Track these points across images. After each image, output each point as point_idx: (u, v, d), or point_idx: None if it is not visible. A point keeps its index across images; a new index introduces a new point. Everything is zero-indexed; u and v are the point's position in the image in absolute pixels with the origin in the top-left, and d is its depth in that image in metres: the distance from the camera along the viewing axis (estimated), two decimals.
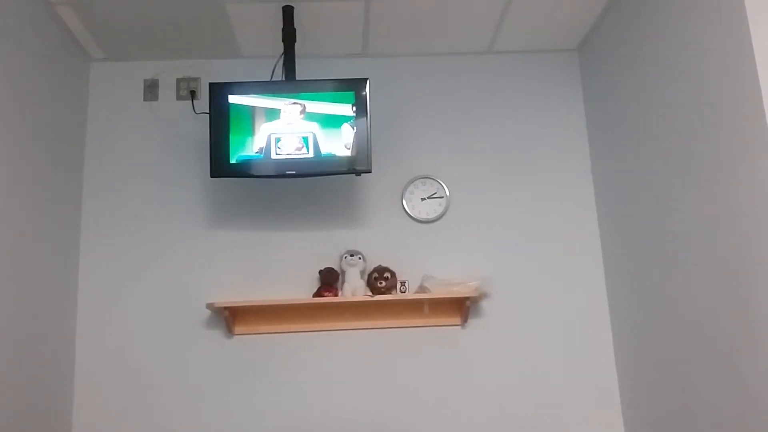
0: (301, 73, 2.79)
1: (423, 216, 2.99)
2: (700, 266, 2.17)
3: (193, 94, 3.04)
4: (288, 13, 2.75)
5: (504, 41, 3.05)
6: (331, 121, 2.67)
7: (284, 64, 2.78)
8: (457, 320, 2.89)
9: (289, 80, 2.76)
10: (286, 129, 2.66)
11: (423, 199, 3.00)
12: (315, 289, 2.84)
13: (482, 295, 2.85)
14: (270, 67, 2.83)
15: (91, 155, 3.00)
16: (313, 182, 2.96)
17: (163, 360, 2.83)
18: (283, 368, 2.84)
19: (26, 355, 2.44)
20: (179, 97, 3.06)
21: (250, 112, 2.67)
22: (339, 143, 2.66)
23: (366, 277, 2.84)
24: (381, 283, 2.80)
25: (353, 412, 2.81)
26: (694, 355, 2.23)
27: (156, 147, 3.02)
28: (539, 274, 2.95)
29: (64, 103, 2.83)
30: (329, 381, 2.84)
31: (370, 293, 2.82)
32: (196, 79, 3.06)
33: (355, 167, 2.67)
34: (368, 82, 2.69)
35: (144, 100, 3.06)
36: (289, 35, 2.78)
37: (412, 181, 3.01)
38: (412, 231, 2.98)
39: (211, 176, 2.67)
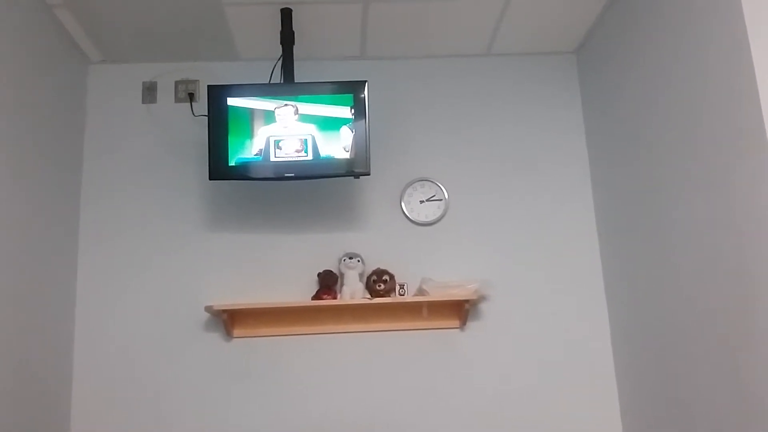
0: (299, 76, 2.79)
1: (422, 219, 2.99)
2: (698, 267, 2.17)
3: (191, 97, 3.03)
4: (286, 15, 2.75)
5: (502, 44, 3.05)
6: (329, 124, 2.66)
7: (283, 66, 2.78)
8: (456, 323, 2.89)
9: (287, 83, 2.76)
10: (284, 132, 2.66)
11: (422, 202, 3.00)
12: (314, 292, 2.84)
13: (481, 298, 2.84)
14: (268, 69, 2.83)
15: (89, 158, 3.00)
16: (311, 185, 2.96)
17: (162, 363, 2.83)
18: (281, 371, 2.84)
19: (24, 357, 2.43)
20: (178, 100, 3.06)
21: (248, 115, 2.67)
22: (338, 146, 2.66)
23: (365, 279, 2.84)
24: (380, 285, 2.80)
25: (352, 415, 2.80)
26: (692, 356, 2.23)
27: (154, 149, 3.02)
28: (538, 276, 2.95)
29: (63, 106, 2.83)
30: (328, 384, 2.83)
31: (369, 296, 2.81)
32: (194, 82, 3.06)
33: (353, 170, 2.67)
34: (367, 84, 2.69)
35: (142, 102, 3.06)
36: (287, 38, 2.78)
37: (410, 184, 3.01)
38: (410, 234, 2.98)
39: (210, 179, 2.66)
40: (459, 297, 2.76)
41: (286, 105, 2.66)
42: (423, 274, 2.86)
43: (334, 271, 2.86)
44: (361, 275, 2.84)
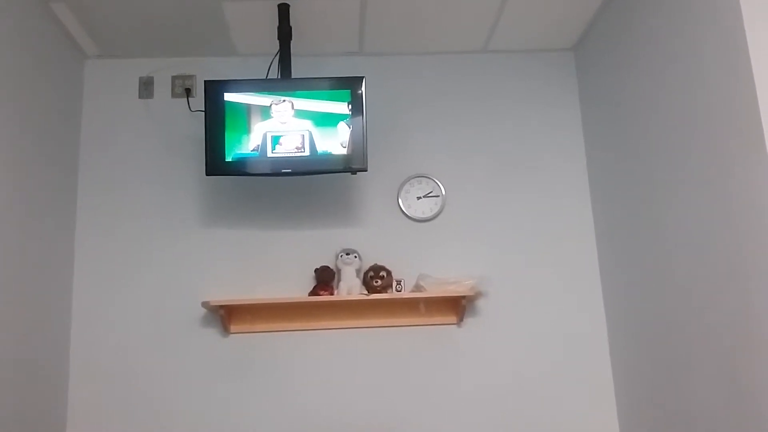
0: (296, 72, 2.79)
1: (419, 215, 2.99)
2: (695, 264, 2.18)
3: (188, 92, 3.03)
4: (284, 11, 2.74)
5: (500, 40, 3.05)
6: (326, 120, 2.66)
7: (280, 62, 2.77)
8: (453, 319, 2.89)
9: (284, 78, 2.75)
10: (281, 127, 2.65)
11: (419, 198, 3.00)
12: (311, 288, 2.84)
13: (478, 294, 2.85)
14: (266, 65, 2.83)
15: (85, 153, 2.99)
16: (308, 181, 2.95)
17: (158, 359, 2.82)
18: (278, 367, 2.84)
19: (21, 353, 2.42)
20: (174, 95, 3.05)
21: (245, 110, 2.66)
22: (335, 141, 2.66)
23: (362, 275, 2.84)
24: (377, 281, 2.80)
25: (349, 411, 2.81)
26: (689, 353, 2.24)
27: (151, 145, 3.01)
28: (535, 272, 2.96)
29: (59, 101, 2.82)
30: (325, 380, 2.83)
31: (366, 292, 2.81)
32: (191, 77, 3.05)
33: (351, 166, 2.67)
34: (364, 80, 2.69)
35: (139, 97, 3.05)
36: (284, 33, 2.77)
37: (407, 180, 3.01)
38: (407, 230, 2.98)
39: (207, 174, 2.66)
40: (456, 293, 2.77)
41: (283, 101, 2.66)
42: (420, 270, 2.86)
43: (331, 267, 2.86)
44: (358, 271, 2.84)
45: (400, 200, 3.00)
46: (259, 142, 2.64)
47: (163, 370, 2.82)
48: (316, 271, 2.85)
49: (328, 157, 2.66)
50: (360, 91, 2.68)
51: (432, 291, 2.77)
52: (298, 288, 2.86)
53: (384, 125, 3.03)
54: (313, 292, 2.81)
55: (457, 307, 2.85)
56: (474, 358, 2.87)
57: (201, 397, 2.80)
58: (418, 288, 2.81)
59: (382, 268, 2.83)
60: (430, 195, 3.01)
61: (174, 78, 3.06)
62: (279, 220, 2.96)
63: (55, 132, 2.77)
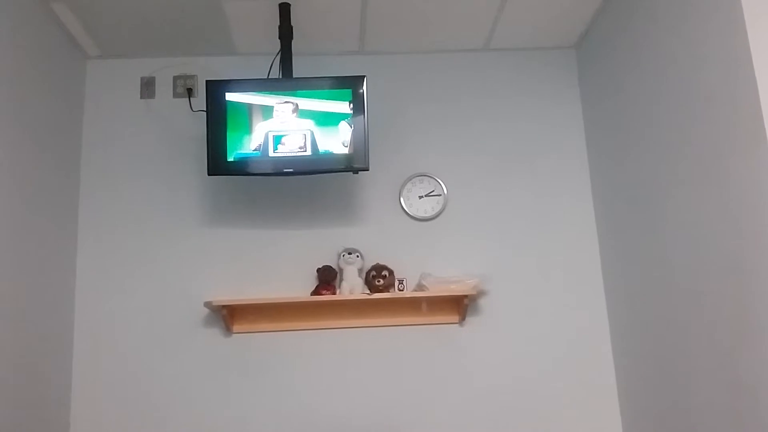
0: (298, 71, 2.79)
1: (421, 214, 2.99)
2: (697, 262, 2.17)
3: (189, 92, 3.03)
4: (285, 10, 2.74)
5: (501, 38, 3.05)
6: (328, 119, 2.66)
7: (281, 61, 2.77)
8: (455, 318, 2.89)
9: (286, 78, 2.75)
10: (283, 127, 2.65)
11: (420, 197, 3.00)
12: (313, 287, 2.84)
13: (480, 293, 2.85)
14: (267, 64, 2.82)
15: (87, 153, 2.99)
16: (310, 180, 2.95)
17: (161, 358, 2.83)
18: (281, 366, 2.84)
19: (23, 352, 2.43)
20: (176, 95, 3.05)
21: (247, 110, 2.66)
22: (336, 141, 2.65)
23: (364, 275, 2.84)
24: (379, 281, 2.80)
25: (351, 410, 2.81)
26: (691, 351, 2.24)
27: (153, 145, 3.02)
28: (537, 271, 2.95)
29: (61, 101, 2.82)
30: (327, 379, 2.84)
31: (368, 291, 2.81)
32: (192, 77, 3.05)
33: (352, 165, 2.67)
34: (365, 79, 2.68)
35: (141, 97, 3.06)
36: (285, 33, 2.77)
37: (409, 179, 3.01)
38: (409, 229, 2.98)
39: (209, 174, 2.66)
40: (458, 292, 2.77)
41: (286, 102, 2.66)
42: (422, 269, 2.86)
43: (333, 266, 2.85)
44: (360, 270, 2.84)
45: (401, 199, 3.00)
46: (261, 142, 2.64)
47: (166, 370, 2.82)
48: (318, 270, 2.85)
49: (329, 157, 2.65)
50: (361, 91, 2.67)
51: (434, 290, 2.77)
52: (300, 288, 2.86)
53: (385, 124, 3.02)
54: (316, 292, 2.81)
55: (460, 306, 2.85)
56: (476, 358, 2.87)
57: (204, 397, 2.80)
58: (420, 287, 2.81)
59: (384, 268, 2.83)
60: (431, 194, 3.01)
61: (175, 78, 3.06)
62: (281, 219, 2.96)
63: (57, 132, 2.78)
